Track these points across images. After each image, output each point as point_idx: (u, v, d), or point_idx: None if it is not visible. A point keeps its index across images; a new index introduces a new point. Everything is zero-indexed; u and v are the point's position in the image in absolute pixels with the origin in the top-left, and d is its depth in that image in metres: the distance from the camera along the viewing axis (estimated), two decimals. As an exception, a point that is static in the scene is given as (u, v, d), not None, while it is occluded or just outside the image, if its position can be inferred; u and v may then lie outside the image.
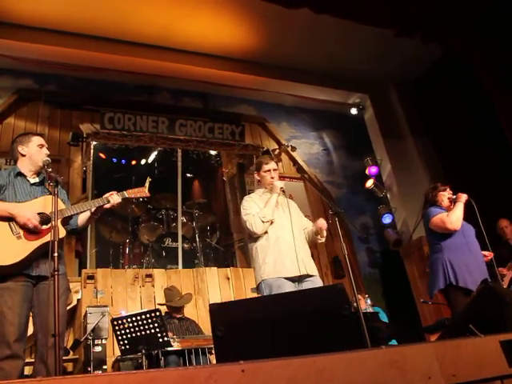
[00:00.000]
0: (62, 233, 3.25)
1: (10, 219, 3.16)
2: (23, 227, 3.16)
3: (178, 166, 8.11)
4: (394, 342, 5.39)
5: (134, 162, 8.83)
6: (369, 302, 6.68)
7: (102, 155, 8.14)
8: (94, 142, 7.55)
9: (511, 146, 6.86)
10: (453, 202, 4.66)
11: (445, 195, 4.75)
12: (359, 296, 6.59)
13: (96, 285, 6.29)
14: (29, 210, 3.19)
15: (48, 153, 3.60)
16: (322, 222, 4.14)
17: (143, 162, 8.91)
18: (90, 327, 5.21)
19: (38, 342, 3.13)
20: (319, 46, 8.04)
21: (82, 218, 3.64)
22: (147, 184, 3.87)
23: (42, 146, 3.60)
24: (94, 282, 6.30)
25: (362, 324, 2.99)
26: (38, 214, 3.24)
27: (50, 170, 3.40)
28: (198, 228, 8.23)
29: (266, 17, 7.35)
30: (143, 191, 3.82)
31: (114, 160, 8.55)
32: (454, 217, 4.48)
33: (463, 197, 4.62)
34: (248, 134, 8.80)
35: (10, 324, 3.02)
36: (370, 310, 6.42)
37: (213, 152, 8.80)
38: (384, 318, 6.49)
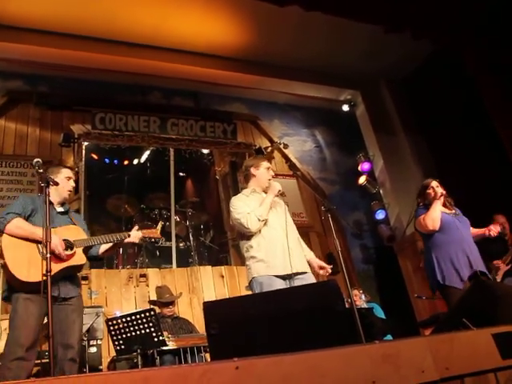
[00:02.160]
0: (83, 260, 3.67)
1: (38, 242, 3.46)
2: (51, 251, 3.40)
3: (170, 165, 8.11)
4: (389, 337, 5.42)
5: (126, 162, 8.81)
6: (363, 297, 6.71)
7: (94, 156, 8.12)
8: (86, 143, 7.53)
9: (503, 142, 6.89)
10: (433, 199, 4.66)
11: (430, 193, 4.75)
12: (354, 292, 6.64)
13: (90, 285, 6.29)
14: (56, 237, 3.44)
15: (74, 185, 3.99)
16: (322, 271, 4.09)
17: (136, 161, 8.89)
18: (84, 328, 5.19)
19: (58, 356, 3.33)
20: (311, 43, 8.04)
21: (104, 248, 3.98)
22: (159, 227, 4.29)
23: (69, 178, 3.93)
24: (88, 283, 6.29)
25: (356, 320, 3.00)
26: (63, 240, 3.56)
27: (42, 171, 3.52)
28: (191, 227, 8.22)
29: (257, 15, 7.35)
30: (156, 233, 4.25)
31: (107, 160, 8.53)
32: (429, 219, 4.50)
33: (438, 194, 4.63)
34: (240, 132, 8.79)
35: (26, 329, 3.32)
36: (365, 305, 6.45)
37: (205, 151, 8.78)
38: (380, 313, 6.51)
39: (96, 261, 4.19)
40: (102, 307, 5.55)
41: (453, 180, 5.41)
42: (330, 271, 4.04)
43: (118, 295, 6.43)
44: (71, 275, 3.67)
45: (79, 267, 3.70)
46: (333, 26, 7.28)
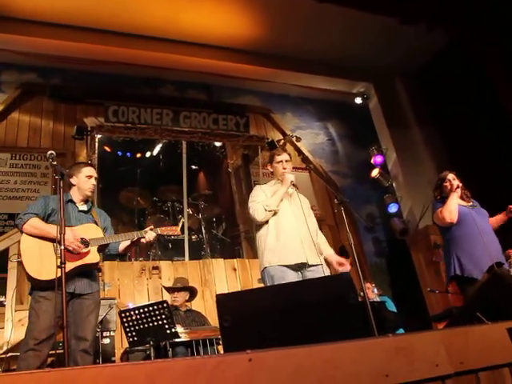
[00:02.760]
0: (96, 258, 3.73)
1: (55, 240, 3.48)
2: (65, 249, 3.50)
3: (182, 158, 8.11)
4: (401, 331, 5.40)
5: (138, 155, 8.85)
6: (375, 291, 6.68)
7: (106, 148, 8.16)
8: (99, 136, 7.54)
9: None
10: (449, 191, 4.64)
11: (447, 186, 4.73)
12: (367, 285, 6.62)
13: (103, 277, 6.31)
14: (71, 235, 3.55)
15: (95, 183, 4.03)
16: (341, 267, 4.06)
17: (148, 154, 8.93)
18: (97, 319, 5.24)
19: (71, 348, 3.43)
20: (323, 35, 7.99)
21: (123, 245, 4.04)
22: (180, 224, 4.29)
23: (90, 176, 3.98)
24: (101, 275, 6.31)
25: (369, 313, 2.99)
26: (81, 238, 3.65)
27: (55, 163, 3.54)
28: (203, 220, 8.23)
29: (269, 7, 7.33)
30: (175, 230, 4.18)
31: (119, 153, 8.57)
32: (446, 211, 4.49)
33: (454, 186, 4.60)
34: (253, 124, 8.78)
35: (41, 324, 3.43)
36: (377, 299, 6.43)
37: (217, 143, 8.77)
38: (392, 307, 6.49)
39: (115, 256, 4.24)
40: (114, 299, 5.58)
41: (466, 172, 5.35)
42: (349, 267, 4.01)
43: (131, 287, 6.46)
44: (86, 272, 3.72)
45: (92, 265, 3.75)
46: (345, 17, 7.23)
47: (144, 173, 8.46)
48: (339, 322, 2.44)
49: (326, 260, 4.15)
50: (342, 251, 8.02)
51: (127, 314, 4.56)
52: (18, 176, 7.16)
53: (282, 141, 8.90)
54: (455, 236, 4.51)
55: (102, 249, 3.87)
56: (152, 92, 8.52)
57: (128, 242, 4.01)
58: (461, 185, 4.63)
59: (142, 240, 3.96)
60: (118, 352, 5.39)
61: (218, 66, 8.29)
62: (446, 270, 4.62)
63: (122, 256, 4.34)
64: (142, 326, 4.53)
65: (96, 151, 7.47)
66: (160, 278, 6.66)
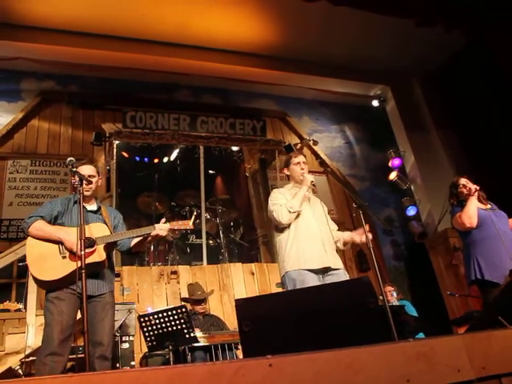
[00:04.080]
0: (101, 257, 3.64)
1: (59, 242, 3.58)
2: (69, 250, 3.54)
3: (200, 162, 8.14)
4: (421, 335, 5.35)
5: (156, 160, 8.91)
6: (395, 294, 6.64)
7: (124, 154, 8.23)
8: (117, 141, 7.62)
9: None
10: (467, 195, 4.61)
11: (462, 191, 4.69)
12: (388, 288, 6.58)
13: (122, 282, 6.36)
14: (72, 236, 3.51)
15: (93, 181, 3.93)
16: (362, 238, 4.04)
17: (166, 159, 8.98)
18: (117, 324, 5.26)
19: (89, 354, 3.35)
20: (338, 38, 7.97)
21: (134, 242, 3.99)
22: (193, 218, 4.16)
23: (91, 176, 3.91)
24: (120, 280, 6.37)
25: (389, 317, 2.97)
26: (86, 238, 3.52)
27: (75, 169, 3.62)
28: (221, 224, 8.25)
29: (283, 10, 7.32)
30: (187, 224, 4.09)
31: (137, 158, 8.64)
32: (465, 216, 4.46)
33: (472, 190, 4.56)
34: (269, 128, 8.79)
35: (57, 326, 3.39)
36: (396, 303, 6.39)
37: (234, 148, 8.78)
38: (412, 311, 6.44)
39: (130, 254, 4.16)
40: (133, 304, 5.62)
41: (485, 174, 5.31)
42: (370, 235, 3.82)
43: (150, 292, 6.49)
44: (96, 273, 3.66)
45: (97, 264, 3.63)
46: (360, 19, 7.19)
47: (162, 178, 8.50)
48: (359, 327, 2.43)
49: (345, 243, 4.18)
50: (360, 255, 8.01)
51: (146, 318, 4.59)
52: (38, 182, 7.25)
53: (299, 144, 8.88)
54: (475, 240, 4.47)
55: (110, 247, 3.80)
56: (169, 97, 8.58)
57: (138, 239, 3.97)
58: (478, 187, 4.59)
59: (153, 233, 3.89)
60: (137, 357, 5.41)
61: (233, 71, 8.31)
62: (466, 273, 4.58)
63: (133, 254, 4.22)
64: (160, 331, 4.55)
65: (114, 157, 7.55)
66: (178, 282, 6.69)
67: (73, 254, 3.50)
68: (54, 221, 3.72)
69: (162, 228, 3.93)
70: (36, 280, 3.53)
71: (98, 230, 3.75)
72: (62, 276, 3.45)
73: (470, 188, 4.57)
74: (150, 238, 3.98)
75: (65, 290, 3.50)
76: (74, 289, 3.45)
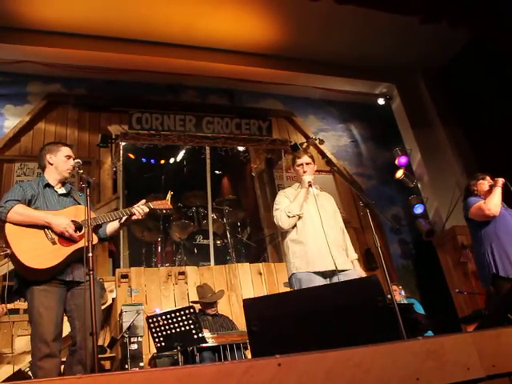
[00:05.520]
0: (95, 239, 3.39)
1: (45, 227, 3.32)
2: (58, 234, 3.31)
3: (206, 163, 8.15)
4: (430, 333, 5.33)
5: (162, 161, 8.93)
6: (403, 293, 6.62)
7: (131, 155, 8.24)
8: (123, 143, 7.64)
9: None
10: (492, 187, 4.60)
11: (484, 184, 4.68)
12: (393, 287, 6.55)
13: (130, 283, 6.37)
14: (64, 219, 3.35)
15: (73, 164, 3.68)
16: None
17: (172, 160, 9.00)
18: (125, 325, 5.29)
19: (77, 345, 3.22)
20: (343, 37, 7.95)
21: (111, 228, 3.77)
22: (169, 196, 4.04)
23: (69, 157, 3.72)
24: (128, 281, 6.38)
25: (398, 315, 2.96)
26: (71, 221, 3.39)
27: (82, 171, 3.53)
28: (228, 224, 8.26)
29: (288, 10, 7.32)
30: (166, 203, 3.98)
31: (144, 160, 8.66)
32: (491, 203, 4.41)
33: (499, 181, 4.55)
34: (275, 128, 8.78)
35: (47, 324, 3.16)
36: (405, 301, 6.37)
37: (241, 148, 8.78)
38: (420, 309, 6.42)
39: (106, 241, 4.03)
40: (142, 305, 5.63)
41: (493, 172, 5.29)
42: None
43: (158, 293, 6.50)
44: (83, 258, 3.22)
45: (92, 247, 3.26)
46: (365, 17, 7.18)
47: (168, 179, 8.52)
48: (368, 325, 2.42)
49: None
50: (367, 254, 7.99)
51: (154, 319, 4.60)
52: (45, 185, 7.27)
53: (305, 144, 8.87)
54: (491, 232, 4.43)
55: (94, 231, 3.52)
56: (175, 98, 8.58)
57: (116, 224, 3.74)
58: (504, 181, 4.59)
59: (134, 217, 3.69)
60: (146, 357, 5.42)
61: (238, 71, 8.31)
62: (480, 269, 4.54)
63: (109, 240, 4.07)
64: (169, 332, 4.56)
65: (121, 159, 7.57)
66: (186, 283, 6.70)
67: (63, 239, 3.31)
68: (27, 205, 3.43)
69: (140, 208, 3.72)
70: (27, 269, 3.18)
71: (80, 212, 3.48)
72: (58, 262, 3.24)
73: (497, 180, 4.57)
74: (129, 221, 3.76)
75: (53, 281, 3.27)
76: (63, 278, 3.30)
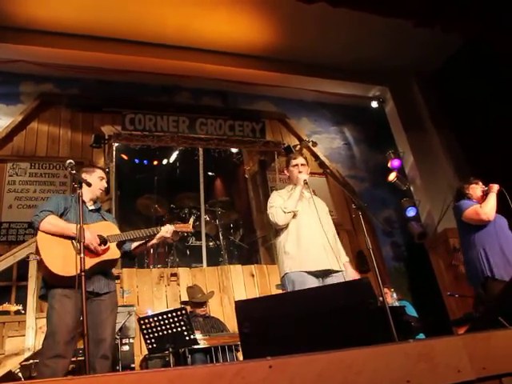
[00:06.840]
0: (117, 254, 3.75)
1: (73, 238, 3.52)
2: (84, 246, 3.42)
3: (199, 164, 8.15)
4: (421, 335, 5.35)
5: (155, 162, 8.91)
6: (395, 295, 6.64)
7: (124, 156, 8.22)
8: (116, 144, 7.62)
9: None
10: (485, 193, 4.63)
11: (477, 188, 4.71)
12: (385, 290, 6.57)
13: (122, 284, 6.36)
14: (89, 233, 3.54)
15: (105, 185, 4.10)
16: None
17: (165, 161, 8.98)
18: (117, 327, 5.25)
19: (90, 354, 3.25)
20: (337, 39, 7.97)
21: (135, 244, 4.06)
22: (191, 221, 4.40)
23: (102, 178, 4.06)
24: (119, 282, 6.36)
25: (389, 318, 2.96)
26: (97, 235, 3.64)
27: (74, 172, 3.60)
28: (221, 226, 8.25)
29: (282, 12, 7.33)
30: (188, 227, 4.31)
31: (137, 161, 8.64)
32: (487, 207, 4.45)
33: (495, 187, 4.59)
34: (269, 130, 8.78)
35: (63, 326, 3.36)
36: (397, 303, 6.39)
37: (234, 150, 8.79)
38: (412, 311, 6.44)
39: (129, 257, 4.20)
40: (133, 306, 5.60)
41: (485, 175, 5.32)
42: None
43: (150, 294, 6.49)
44: (105, 271, 3.71)
45: (113, 262, 3.77)
46: (359, 21, 7.20)
47: (161, 180, 8.50)
48: (360, 328, 2.43)
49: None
50: (359, 256, 8.00)
51: (146, 320, 4.59)
52: (38, 185, 7.25)
53: (299, 146, 8.88)
54: (485, 235, 4.46)
55: (119, 246, 3.84)
56: (168, 99, 8.57)
57: (140, 242, 4.03)
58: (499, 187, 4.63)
59: (159, 235, 3.97)
60: (138, 359, 5.41)
61: (232, 73, 8.31)
62: (471, 272, 4.55)
63: (130, 258, 4.27)
64: (161, 333, 4.55)
65: (114, 159, 7.55)
66: (178, 284, 6.69)
67: (88, 251, 3.48)
68: (59, 216, 3.69)
69: (167, 230, 3.98)
70: (53, 276, 3.41)
71: (107, 228, 3.80)
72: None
73: (492, 185, 4.61)
74: (154, 241, 4.03)
75: (74, 289, 3.36)
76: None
